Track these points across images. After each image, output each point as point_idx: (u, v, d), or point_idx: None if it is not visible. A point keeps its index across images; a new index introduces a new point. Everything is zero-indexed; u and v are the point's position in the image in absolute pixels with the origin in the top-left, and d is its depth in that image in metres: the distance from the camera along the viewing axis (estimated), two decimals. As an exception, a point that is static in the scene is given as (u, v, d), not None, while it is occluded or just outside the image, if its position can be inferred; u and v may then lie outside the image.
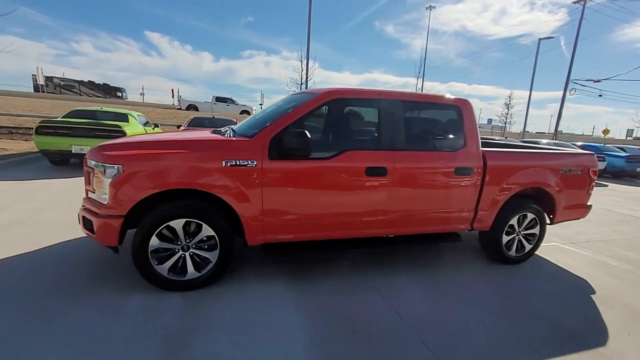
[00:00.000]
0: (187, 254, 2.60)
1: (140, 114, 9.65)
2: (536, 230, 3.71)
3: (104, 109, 9.08)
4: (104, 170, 2.41)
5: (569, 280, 3.39)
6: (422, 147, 3.21)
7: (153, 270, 2.51)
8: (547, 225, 3.77)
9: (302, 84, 20.94)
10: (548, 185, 3.60)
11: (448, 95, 3.32)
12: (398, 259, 3.54)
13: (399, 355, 2.08)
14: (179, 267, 2.60)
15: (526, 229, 3.69)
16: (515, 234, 3.65)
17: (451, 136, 3.29)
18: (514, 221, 3.58)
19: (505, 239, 3.60)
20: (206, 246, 2.64)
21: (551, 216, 3.79)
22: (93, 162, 2.50)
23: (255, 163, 2.58)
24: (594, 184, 3.91)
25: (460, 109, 3.27)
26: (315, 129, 3.32)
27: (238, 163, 2.55)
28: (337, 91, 2.95)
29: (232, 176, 2.55)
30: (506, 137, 20.16)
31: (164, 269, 2.55)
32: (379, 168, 2.89)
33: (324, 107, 2.96)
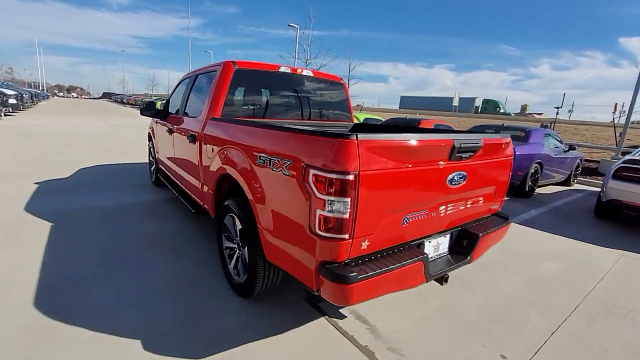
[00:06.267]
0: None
1: None
2: (245, 253, 2.22)
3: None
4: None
5: None
6: (187, 113, 3.44)
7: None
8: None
9: None
10: (238, 177, 2.11)
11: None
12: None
13: None
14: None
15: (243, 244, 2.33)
16: (234, 244, 2.46)
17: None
18: (228, 221, 2.48)
19: (225, 243, 2.58)
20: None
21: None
22: None
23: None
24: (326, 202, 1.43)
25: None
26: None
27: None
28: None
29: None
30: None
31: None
32: (170, 128, 3.78)
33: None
